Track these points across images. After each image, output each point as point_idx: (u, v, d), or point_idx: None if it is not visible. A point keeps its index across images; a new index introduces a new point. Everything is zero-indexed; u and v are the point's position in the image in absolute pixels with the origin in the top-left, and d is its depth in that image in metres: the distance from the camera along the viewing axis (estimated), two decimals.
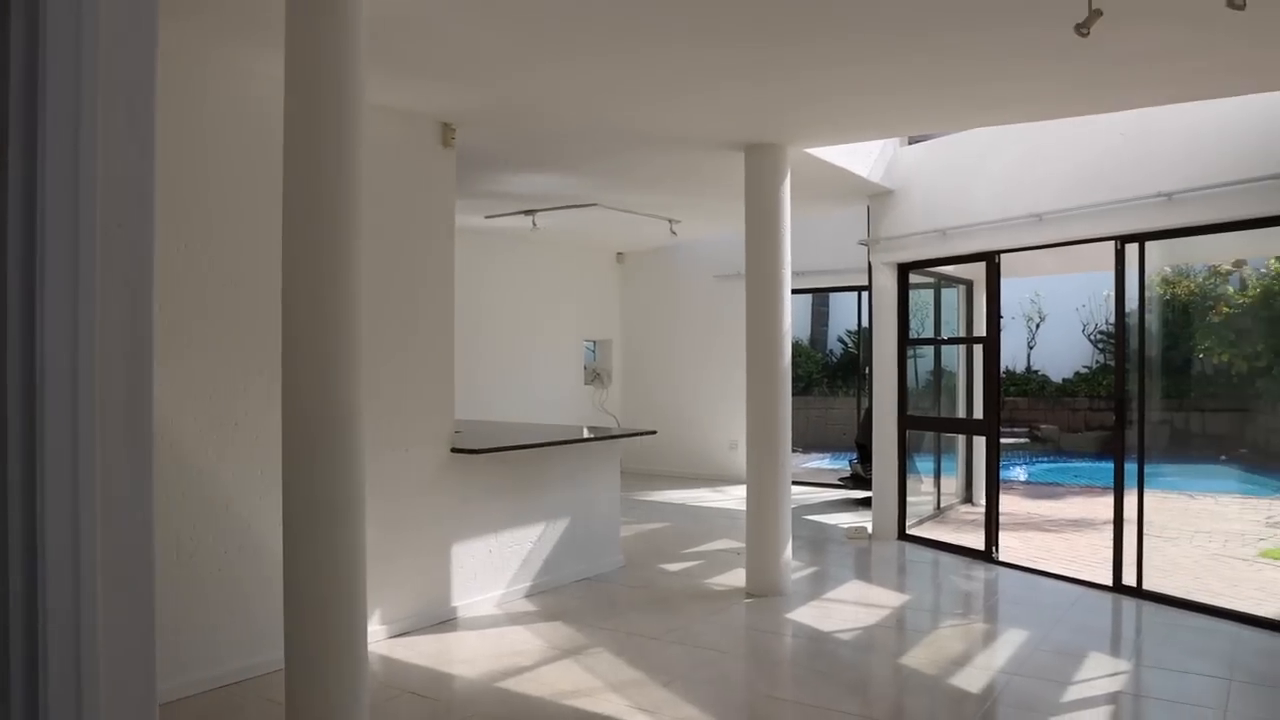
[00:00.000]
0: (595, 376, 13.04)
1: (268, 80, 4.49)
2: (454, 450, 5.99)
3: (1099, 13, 3.59)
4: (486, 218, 9.82)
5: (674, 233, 10.49)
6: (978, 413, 9.10)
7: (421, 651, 5.38)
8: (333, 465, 3.64)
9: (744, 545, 6.92)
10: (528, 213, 9.56)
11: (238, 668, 4.77)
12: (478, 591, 6.23)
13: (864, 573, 7.66)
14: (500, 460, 6.33)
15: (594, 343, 13.31)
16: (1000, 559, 7.74)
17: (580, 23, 4.43)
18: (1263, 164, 5.83)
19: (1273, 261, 14.57)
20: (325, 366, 3.63)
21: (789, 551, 6.82)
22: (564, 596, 6.60)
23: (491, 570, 6.36)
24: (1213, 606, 6.28)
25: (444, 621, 5.91)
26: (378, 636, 5.37)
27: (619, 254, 13.47)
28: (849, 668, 5.33)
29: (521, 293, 11.76)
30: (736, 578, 6.99)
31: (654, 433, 7.96)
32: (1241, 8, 3.53)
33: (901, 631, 6.05)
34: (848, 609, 6.44)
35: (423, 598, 5.84)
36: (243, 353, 4.84)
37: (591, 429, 8.19)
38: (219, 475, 4.78)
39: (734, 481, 11.21)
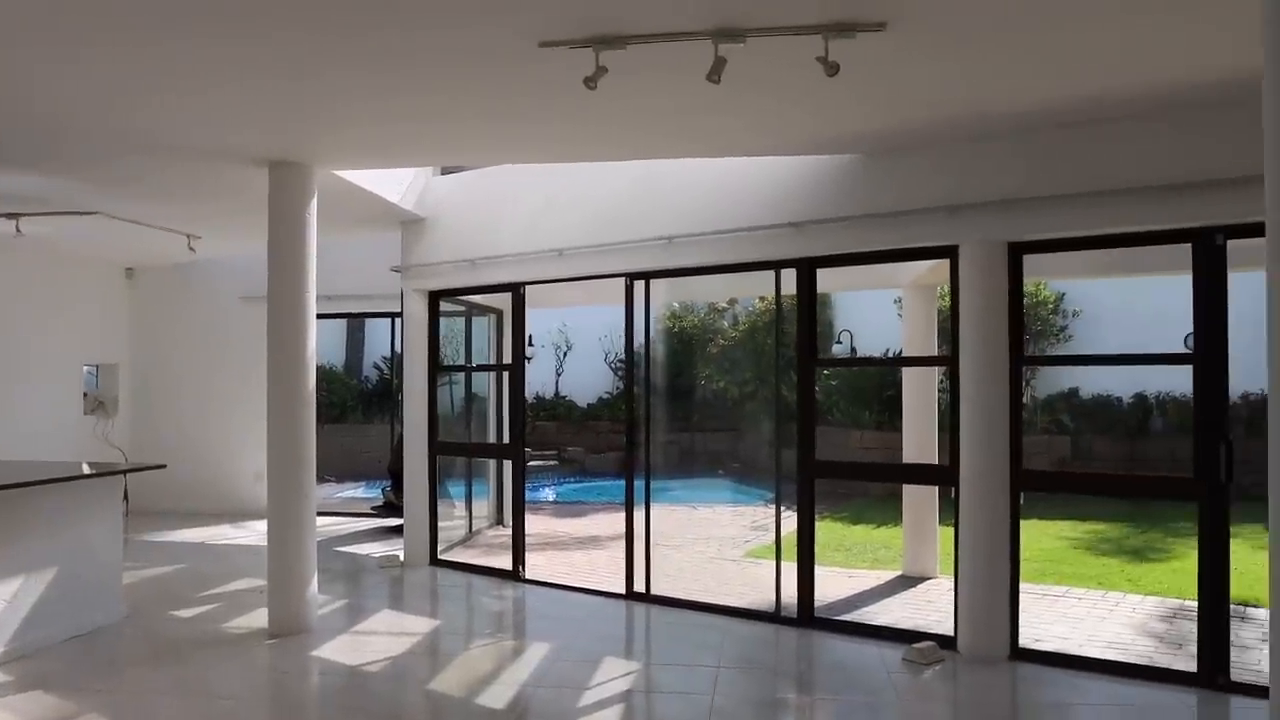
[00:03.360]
0: (98, 405, 11.60)
1: None
2: None
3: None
4: None
5: (193, 249, 9.68)
6: (508, 437, 9.44)
7: None
8: None
9: (266, 583, 6.53)
10: (9, 216, 8.28)
11: None
12: None
13: (396, 601, 7.58)
14: None
15: (97, 367, 11.84)
16: (528, 577, 8.10)
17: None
18: (738, 217, 6.81)
19: (758, 301, 16.92)
20: None
21: (315, 586, 6.56)
22: (50, 659, 5.75)
23: None
24: (709, 604, 7.17)
25: None
26: None
27: (129, 269, 12.16)
28: (378, 700, 5.22)
29: (3, 309, 10.15)
30: (258, 619, 6.58)
31: (163, 466, 7.24)
32: (717, 82, 4.04)
33: (433, 656, 6.07)
34: (378, 639, 6.33)
35: None
36: None
37: (92, 464, 7.26)
38: None
39: (260, 516, 10.54)
